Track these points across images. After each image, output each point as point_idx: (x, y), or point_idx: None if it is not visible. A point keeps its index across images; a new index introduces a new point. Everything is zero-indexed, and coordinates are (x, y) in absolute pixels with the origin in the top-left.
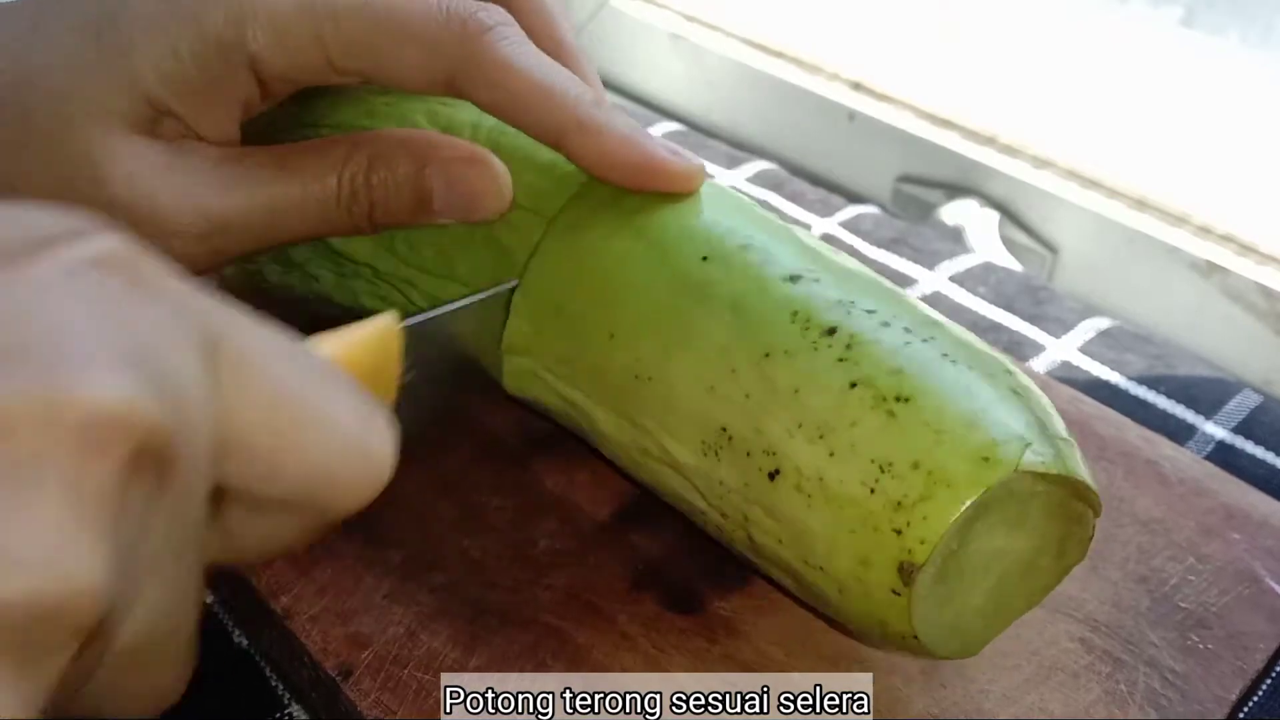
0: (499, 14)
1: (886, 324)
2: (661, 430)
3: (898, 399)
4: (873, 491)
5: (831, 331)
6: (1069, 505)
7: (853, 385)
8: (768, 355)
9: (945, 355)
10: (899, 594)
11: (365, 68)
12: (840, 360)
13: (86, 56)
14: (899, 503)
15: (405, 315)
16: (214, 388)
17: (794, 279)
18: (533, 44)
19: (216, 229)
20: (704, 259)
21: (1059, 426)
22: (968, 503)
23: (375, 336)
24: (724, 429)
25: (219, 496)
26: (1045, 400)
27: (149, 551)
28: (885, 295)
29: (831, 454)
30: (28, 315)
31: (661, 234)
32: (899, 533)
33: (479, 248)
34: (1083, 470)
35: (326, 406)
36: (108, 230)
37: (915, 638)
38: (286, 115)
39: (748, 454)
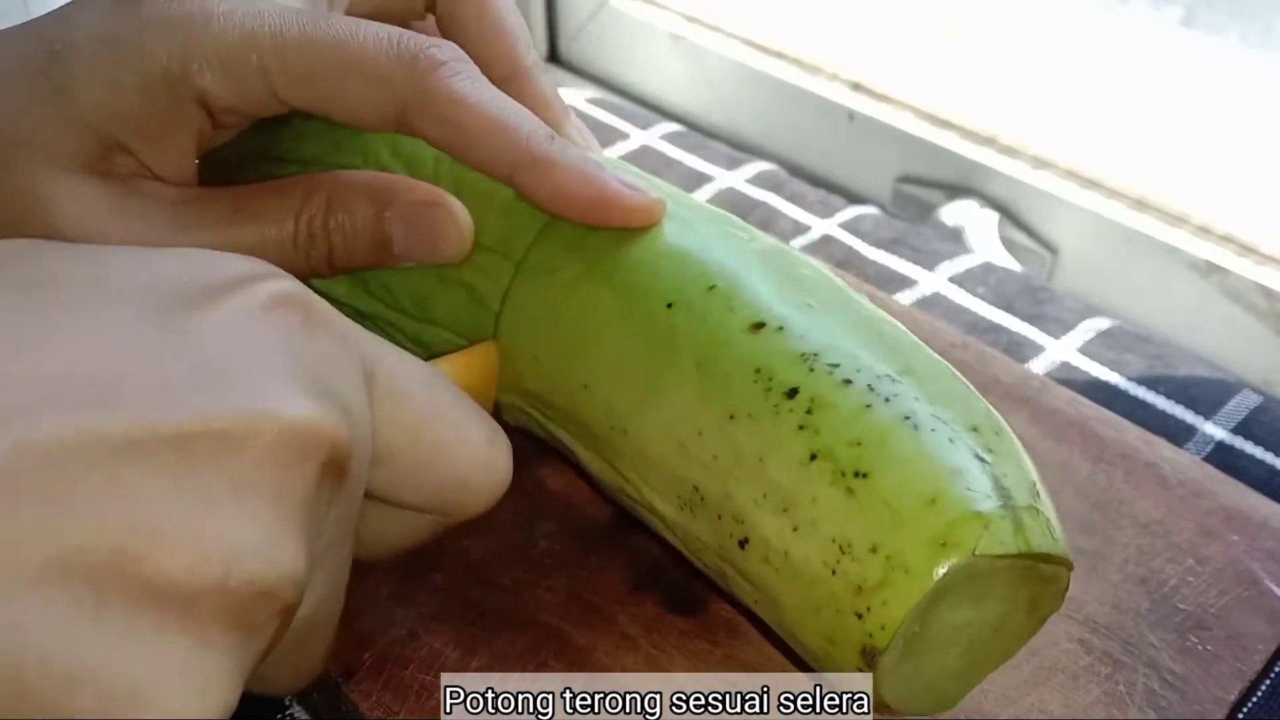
0: (451, 50)
1: (849, 381)
2: (640, 480)
3: (856, 474)
4: (834, 573)
5: (793, 393)
6: (1036, 570)
7: (813, 457)
8: (732, 418)
9: (908, 419)
10: (865, 670)
11: (313, 101)
12: (801, 428)
13: (29, 94)
14: (859, 586)
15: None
16: (370, 407)
17: (758, 327)
18: (485, 79)
19: None
20: (669, 306)
21: (1025, 493)
22: (926, 590)
23: (478, 357)
24: (696, 488)
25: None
26: (1016, 458)
27: (323, 544)
28: (855, 336)
29: (795, 529)
30: (224, 348)
31: (627, 276)
32: (860, 616)
33: (452, 290)
34: (1047, 541)
35: (461, 424)
36: (281, 275)
37: (887, 705)
38: (252, 148)
39: (719, 516)
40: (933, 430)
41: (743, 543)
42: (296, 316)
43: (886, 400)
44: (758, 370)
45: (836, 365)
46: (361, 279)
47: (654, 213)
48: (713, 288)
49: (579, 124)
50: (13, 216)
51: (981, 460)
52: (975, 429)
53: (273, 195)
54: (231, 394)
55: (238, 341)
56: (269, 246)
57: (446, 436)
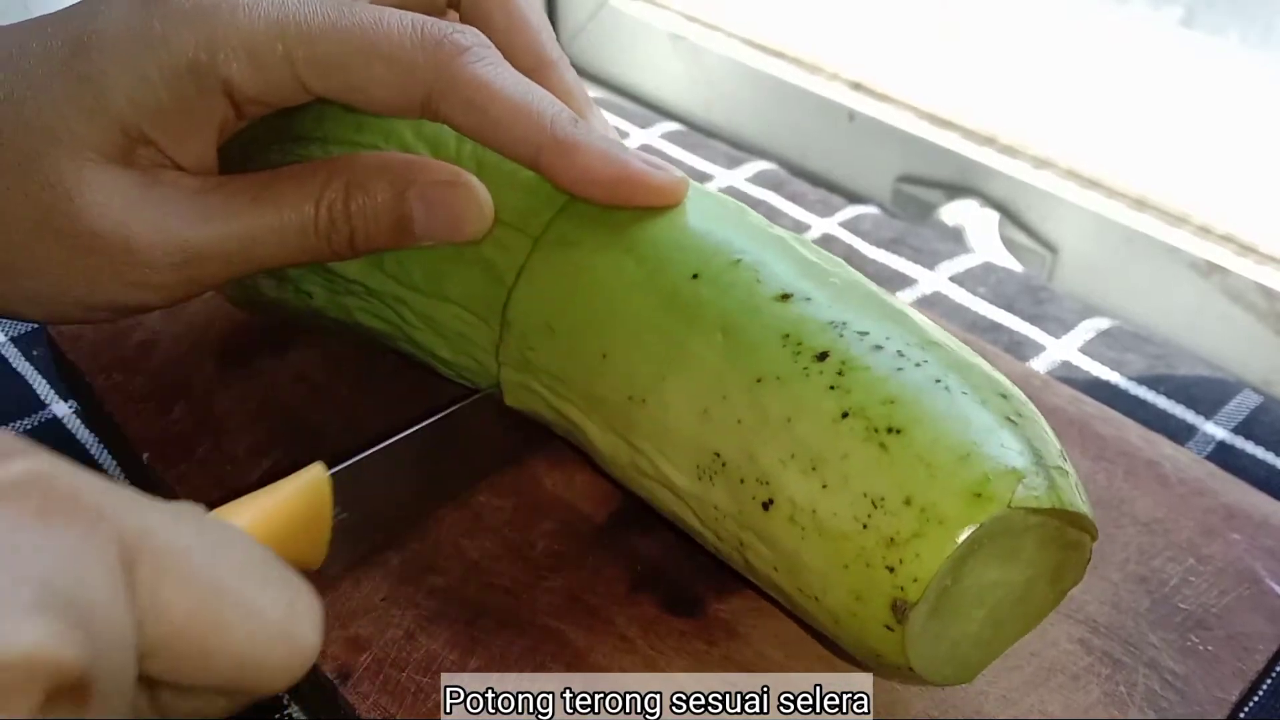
0: (475, 35)
1: (879, 347)
2: (656, 452)
3: (889, 430)
4: (865, 527)
5: (823, 356)
6: (1064, 534)
7: (844, 415)
8: (759, 381)
9: (939, 381)
10: (892, 629)
11: (339, 89)
12: (831, 388)
13: (57, 87)
14: (891, 539)
15: (331, 464)
16: (131, 600)
17: (785, 297)
18: (509, 65)
19: (192, 259)
20: (694, 276)
21: (1055, 454)
22: (960, 540)
23: (305, 489)
24: (718, 454)
25: (150, 681)
26: (1042, 425)
27: None
28: (879, 311)
29: (824, 486)
30: None
31: (651, 249)
32: (891, 570)
33: (467, 266)
34: (1078, 501)
35: (250, 598)
36: (13, 452)
37: (910, 669)
38: (273, 129)
39: (741, 481)
40: (964, 393)
41: (767, 504)
42: (29, 505)
43: (917, 365)
44: (786, 335)
45: (865, 333)
46: (378, 257)
47: (678, 191)
48: (738, 261)
49: (602, 116)
50: (40, 208)
51: (1012, 422)
52: (1004, 396)
53: (292, 181)
54: None
55: None
56: (290, 233)
57: (229, 615)
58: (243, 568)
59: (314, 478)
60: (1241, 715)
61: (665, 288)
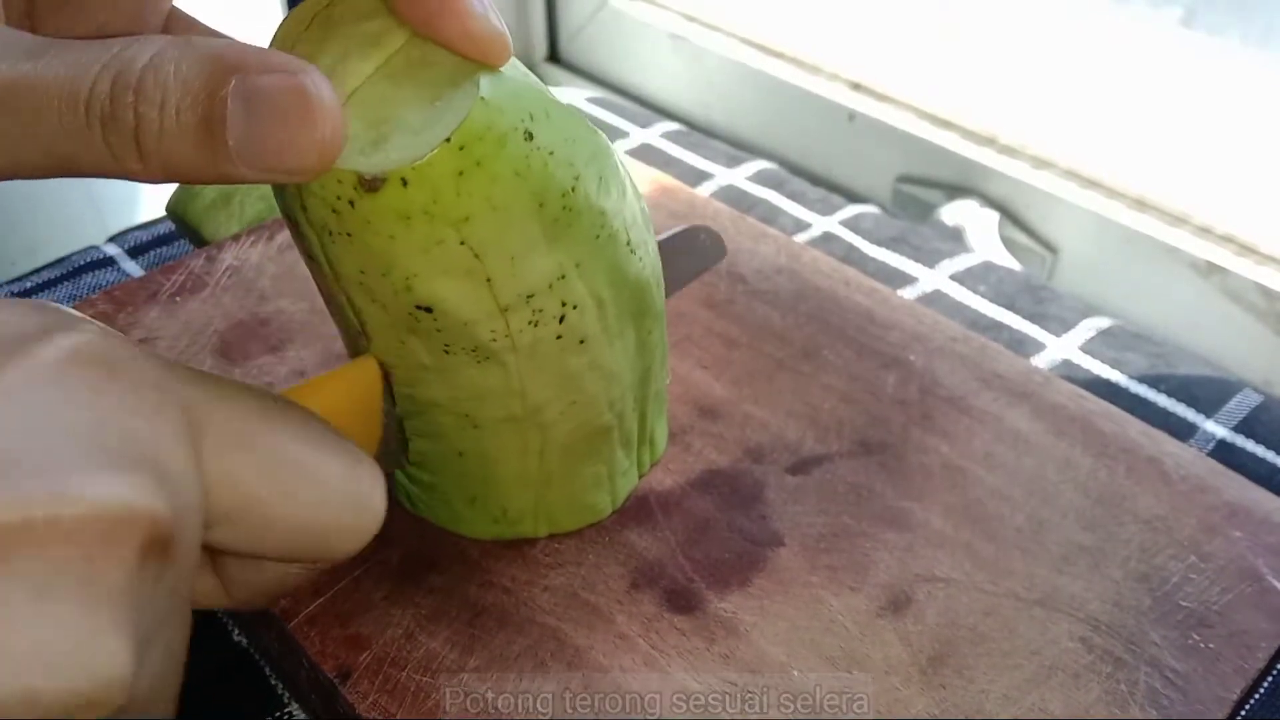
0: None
1: None
2: None
3: None
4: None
5: None
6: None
7: None
8: None
9: None
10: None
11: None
12: None
13: None
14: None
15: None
16: (199, 465)
17: None
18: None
19: None
20: None
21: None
22: None
23: (357, 378)
24: None
25: (214, 553)
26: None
27: (154, 621)
28: None
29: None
30: (12, 425)
31: None
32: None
33: None
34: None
35: (314, 466)
36: (76, 322)
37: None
38: None
39: None
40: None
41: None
42: (98, 374)
43: None
44: None
45: None
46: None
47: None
48: None
49: None
50: None
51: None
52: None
53: (89, 46)
54: (21, 480)
55: (25, 415)
56: (50, 99)
57: (295, 483)
58: (306, 438)
59: (368, 363)
60: (1243, 713)
61: None
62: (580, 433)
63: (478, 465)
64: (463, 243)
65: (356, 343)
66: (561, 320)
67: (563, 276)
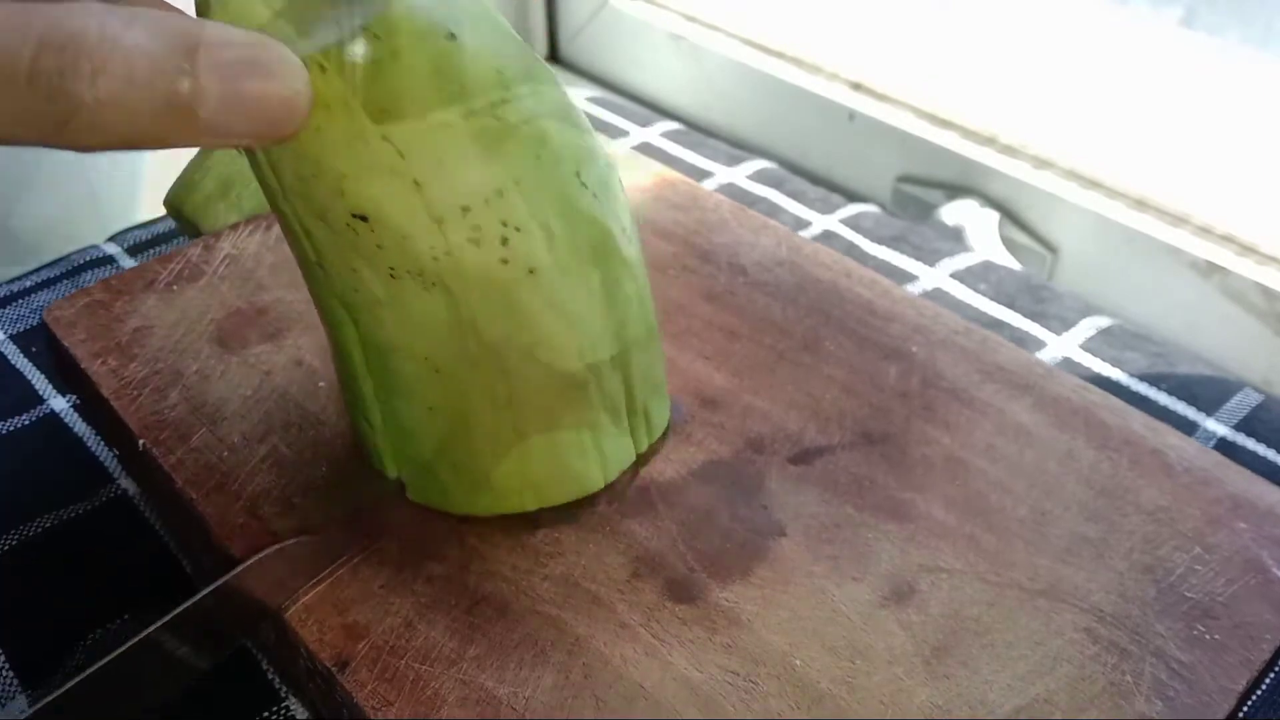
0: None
1: None
2: None
3: None
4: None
5: None
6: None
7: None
8: None
9: None
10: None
11: None
12: None
13: None
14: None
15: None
16: None
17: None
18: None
19: None
20: None
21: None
22: None
23: None
24: None
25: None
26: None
27: None
28: None
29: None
30: None
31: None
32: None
33: None
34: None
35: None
36: None
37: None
38: None
39: None
40: None
41: None
42: None
43: None
44: None
45: None
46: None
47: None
48: None
49: None
50: None
51: None
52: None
53: (7, 7)
54: None
55: None
56: None
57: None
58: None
59: None
60: (1248, 705)
61: None
62: (552, 386)
63: (451, 422)
64: (385, 138)
65: (317, 283)
66: (505, 243)
67: (500, 193)
